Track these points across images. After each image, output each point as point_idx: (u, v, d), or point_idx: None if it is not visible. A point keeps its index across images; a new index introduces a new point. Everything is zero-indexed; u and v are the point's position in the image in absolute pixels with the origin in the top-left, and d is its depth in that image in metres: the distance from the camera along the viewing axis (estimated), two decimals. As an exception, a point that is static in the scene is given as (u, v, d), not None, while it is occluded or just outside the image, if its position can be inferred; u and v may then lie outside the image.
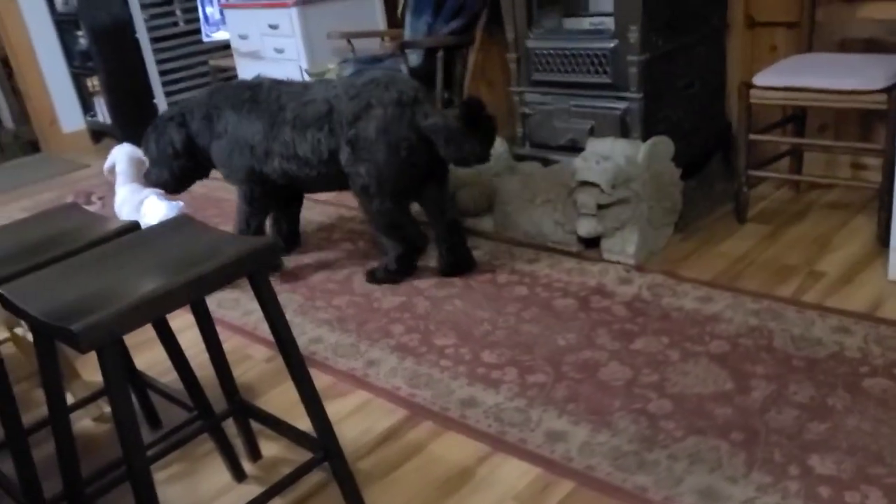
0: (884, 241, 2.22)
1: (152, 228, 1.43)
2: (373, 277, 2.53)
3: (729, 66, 2.86)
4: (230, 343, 2.27)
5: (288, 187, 2.58)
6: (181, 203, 2.70)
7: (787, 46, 2.71)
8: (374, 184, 2.31)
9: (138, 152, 2.91)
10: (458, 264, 2.50)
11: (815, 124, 2.71)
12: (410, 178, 2.34)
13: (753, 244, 2.44)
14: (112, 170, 2.97)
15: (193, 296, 1.22)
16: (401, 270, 2.50)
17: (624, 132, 2.60)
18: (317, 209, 3.26)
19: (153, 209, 2.66)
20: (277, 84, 2.52)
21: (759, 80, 2.36)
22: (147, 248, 1.35)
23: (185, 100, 2.68)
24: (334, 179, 2.43)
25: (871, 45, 2.50)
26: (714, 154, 2.96)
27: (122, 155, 2.95)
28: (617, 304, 2.20)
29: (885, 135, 2.21)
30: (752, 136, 2.45)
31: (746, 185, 2.52)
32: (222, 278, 1.25)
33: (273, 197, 2.64)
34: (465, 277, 2.48)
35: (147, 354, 2.19)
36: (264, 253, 1.31)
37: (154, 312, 1.17)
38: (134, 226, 1.49)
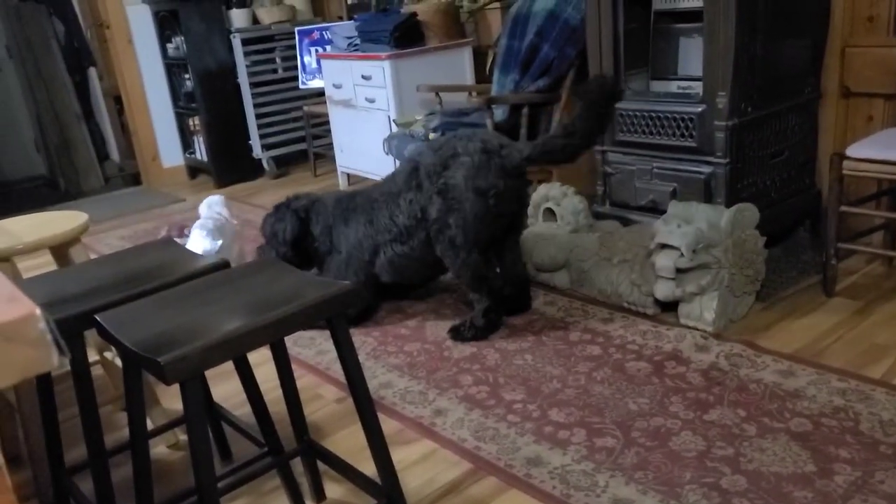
0: None
1: (240, 268, 1.50)
2: (458, 335, 2.48)
3: (821, 136, 2.79)
4: (302, 381, 2.32)
5: (389, 287, 2.67)
6: (219, 243, 2.95)
7: (884, 118, 2.63)
8: (460, 234, 2.33)
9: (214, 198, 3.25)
10: (514, 311, 2.60)
11: (912, 198, 2.60)
12: (496, 227, 2.38)
13: (841, 319, 2.34)
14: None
15: (274, 336, 1.27)
16: (488, 326, 2.47)
17: (707, 197, 2.56)
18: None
19: (195, 242, 2.97)
20: (372, 186, 2.62)
21: (853, 151, 2.30)
22: (234, 287, 1.41)
23: (313, 197, 2.76)
24: (432, 248, 2.43)
25: (977, 121, 2.40)
26: (801, 223, 2.87)
27: (203, 205, 3.27)
28: (692, 372, 2.14)
29: None
30: (844, 208, 2.37)
31: (835, 258, 2.43)
32: (303, 321, 1.30)
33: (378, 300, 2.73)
34: (537, 333, 2.47)
35: (224, 386, 2.27)
36: (344, 298, 1.35)
37: (236, 350, 1.23)
38: (223, 263, 1.57)
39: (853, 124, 2.73)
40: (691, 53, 2.74)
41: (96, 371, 2.05)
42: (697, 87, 2.59)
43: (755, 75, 2.47)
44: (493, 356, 2.36)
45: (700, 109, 2.52)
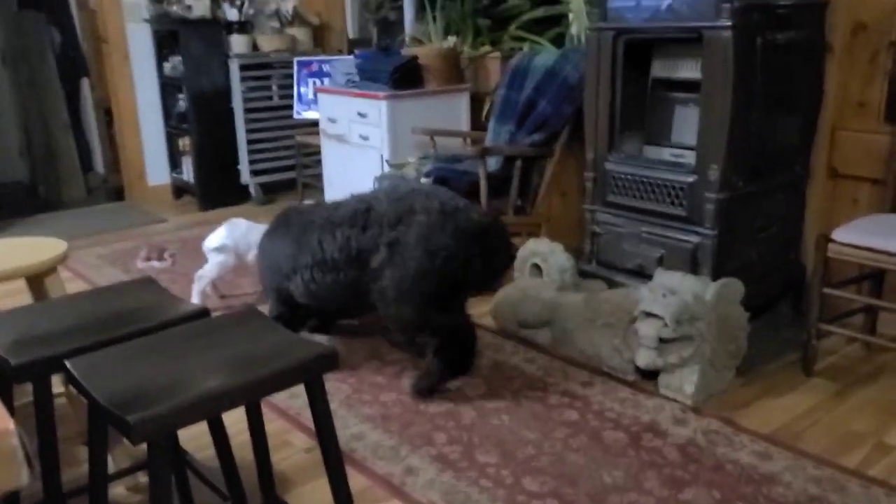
0: (961, 421, 2.10)
1: (221, 319, 1.46)
2: (418, 390, 2.39)
3: (807, 214, 2.82)
4: (272, 426, 2.26)
5: (312, 312, 2.60)
6: (227, 244, 3.06)
7: (869, 202, 2.66)
8: (394, 288, 2.27)
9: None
10: (455, 370, 2.46)
11: (893, 283, 2.62)
12: (440, 286, 2.28)
13: (819, 401, 2.33)
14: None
15: (251, 398, 1.23)
16: (445, 367, 2.34)
17: (694, 266, 2.56)
18: (376, 296, 3.29)
19: (215, 234, 3.13)
20: (313, 206, 2.58)
21: (839, 235, 2.32)
22: (213, 340, 1.37)
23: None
24: (357, 289, 2.38)
25: (960, 215, 2.44)
26: (784, 297, 2.89)
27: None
28: (669, 446, 2.12)
29: (970, 309, 2.12)
30: (826, 290, 2.38)
31: (816, 338, 2.44)
32: (281, 383, 1.27)
33: (298, 323, 2.65)
34: (515, 392, 2.44)
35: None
36: (325, 361, 1.32)
37: (210, 412, 1.19)
38: (203, 311, 1.53)
39: (839, 205, 2.76)
40: (686, 122, 2.77)
41: (59, 400, 1.99)
42: (690, 157, 2.61)
43: (748, 150, 2.49)
44: (469, 414, 2.32)
45: (692, 179, 2.54)
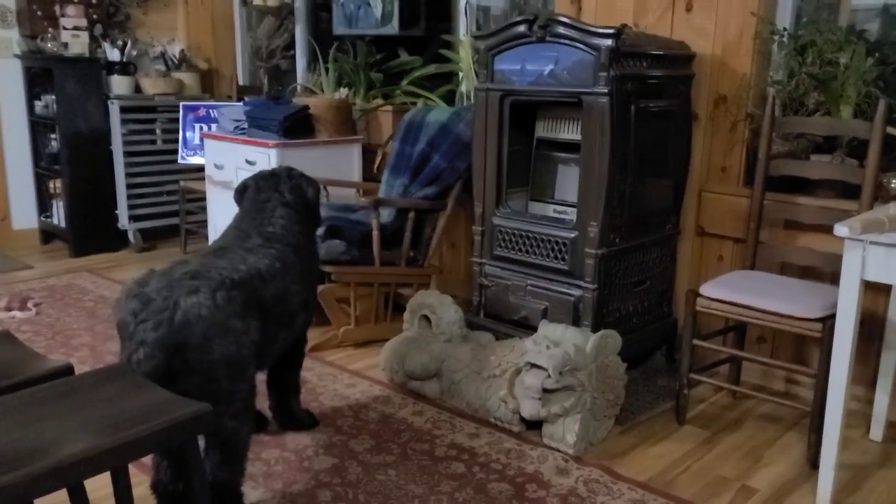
0: (813, 464, 2.26)
1: (86, 377, 1.37)
2: None
3: (679, 268, 3.00)
4: (144, 487, 2.12)
5: None
6: None
7: (732, 258, 2.87)
8: None
9: None
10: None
11: (754, 335, 2.82)
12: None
13: (690, 448, 2.45)
14: None
15: (117, 463, 1.15)
16: None
17: (576, 318, 2.66)
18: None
19: None
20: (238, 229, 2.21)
21: (706, 290, 2.47)
22: (77, 400, 1.28)
23: None
24: None
25: (808, 272, 2.67)
26: (659, 348, 3.04)
27: None
28: (552, 497, 2.15)
29: (818, 358, 2.30)
30: (696, 342, 2.53)
31: (687, 387, 2.57)
32: (150, 445, 1.20)
33: None
34: (402, 445, 2.41)
35: (50, 492, 2.03)
36: (199, 422, 1.26)
37: (70, 479, 1.10)
38: (66, 369, 1.43)
39: (706, 261, 2.96)
40: (567, 180, 2.91)
41: None
42: (572, 214, 2.73)
43: (624, 210, 2.63)
44: (355, 469, 2.27)
45: (573, 236, 2.65)
